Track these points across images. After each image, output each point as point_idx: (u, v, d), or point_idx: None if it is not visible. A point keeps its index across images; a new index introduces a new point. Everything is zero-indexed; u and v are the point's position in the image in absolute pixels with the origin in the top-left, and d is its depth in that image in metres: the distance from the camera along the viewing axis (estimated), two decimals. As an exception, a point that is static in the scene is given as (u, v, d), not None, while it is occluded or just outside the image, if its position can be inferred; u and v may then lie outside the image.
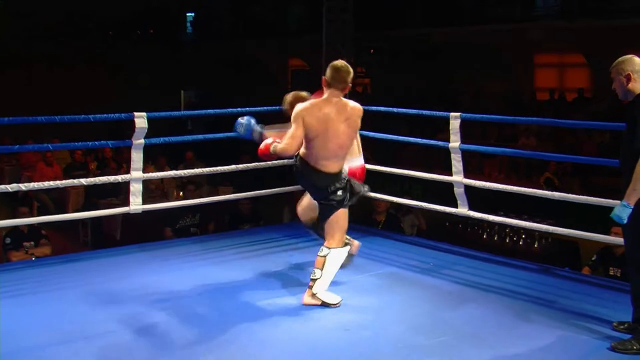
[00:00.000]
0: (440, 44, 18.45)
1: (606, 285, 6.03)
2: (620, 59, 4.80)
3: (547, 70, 20.15)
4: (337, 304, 5.27)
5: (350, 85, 5.37)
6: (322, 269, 5.22)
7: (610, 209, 5.76)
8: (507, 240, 9.10)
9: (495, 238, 9.19)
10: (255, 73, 22.24)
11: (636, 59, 4.73)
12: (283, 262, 6.37)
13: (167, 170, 9.75)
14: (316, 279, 5.23)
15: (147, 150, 6.59)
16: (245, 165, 7.48)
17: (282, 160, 6.27)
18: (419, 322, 5.01)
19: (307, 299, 5.29)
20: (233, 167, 7.28)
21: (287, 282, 5.79)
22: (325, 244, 5.30)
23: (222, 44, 22.89)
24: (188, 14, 25.21)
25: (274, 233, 7.41)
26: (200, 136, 7.31)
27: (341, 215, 5.32)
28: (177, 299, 5.34)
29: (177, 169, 9.51)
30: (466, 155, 6.64)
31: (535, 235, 8.94)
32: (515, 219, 7.75)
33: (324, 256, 5.22)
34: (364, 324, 4.93)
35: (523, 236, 9.04)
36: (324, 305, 5.23)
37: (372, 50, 19.40)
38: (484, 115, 7.25)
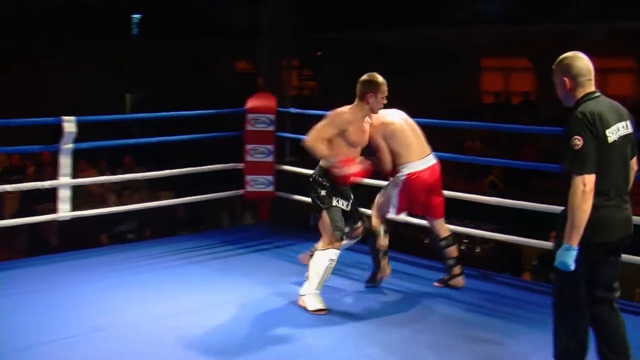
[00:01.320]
0: (387, 47, 18.47)
1: (545, 291, 5.99)
2: (561, 57, 3.93)
3: (493, 74, 20.33)
4: (315, 310, 5.16)
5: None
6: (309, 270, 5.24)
7: (549, 216, 5.79)
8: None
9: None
10: (202, 75, 22.03)
11: (578, 58, 3.87)
12: (219, 268, 6.23)
13: (107, 175, 9.52)
14: (304, 281, 5.28)
15: (89, 154, 6.41)
16: (182, 170, 7.33)
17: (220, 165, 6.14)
18: (351, 331, 4.92)
19: (299, 300, 5.27)
20: (168, 172, 7.13)
21: (219, 288, 5.66)
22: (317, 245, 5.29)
23: (168, 46, 22.62)
24: (134, 15, 24.88)
25: (213, 239, 7.27)
26: (132, 140, 7.13)
27: (325, 217, 5.24)
28: (111, 309, 5.17)
29: (115, 174, 9.30)
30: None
31: (476, 240, 8.92)
32: (457, 223, 7.71)
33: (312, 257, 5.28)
34: (297, 335, 4.81)
35: (465, 241, 9.02)
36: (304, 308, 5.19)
37: (319, 53, 19.36)
38: (430, 120, 7.20)
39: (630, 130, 3.76)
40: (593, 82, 3.80)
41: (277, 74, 8.79)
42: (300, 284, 5.42)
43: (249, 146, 7.55)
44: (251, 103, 7.61)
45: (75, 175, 6.49)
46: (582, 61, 3.84)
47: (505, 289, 5.99)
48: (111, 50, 22.57)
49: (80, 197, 9.96)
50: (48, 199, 9.81)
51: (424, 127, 5.85)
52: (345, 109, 5.34)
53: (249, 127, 7.54)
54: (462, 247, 8.98)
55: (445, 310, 5.34)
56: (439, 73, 18.05)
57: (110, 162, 11.39)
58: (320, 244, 5.26)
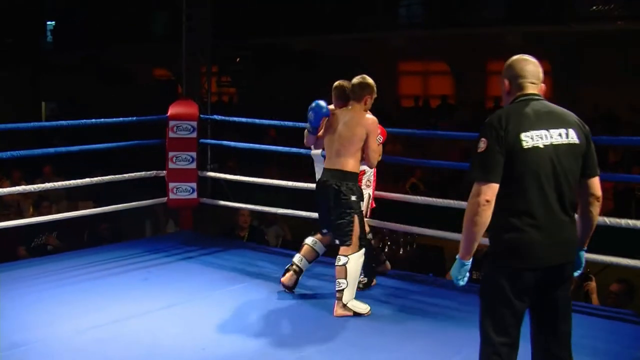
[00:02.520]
0: (304, 52, 18.52)
1: (467, 290, 6.08)
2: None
3: (411, 77, 20.56)
4: (367, 312, 5.28)
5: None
6: (346, 278, 5.23)
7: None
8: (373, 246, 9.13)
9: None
10: (121, 82, 21.68)
11: (521, 60, 3.52)
12: (142, 278, 6.15)
13: (22, 185, 9.26)
14: (343, 289, 5.24)
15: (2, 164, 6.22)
16: (102, 178, 7.20)
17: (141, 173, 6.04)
18: (279, 337, 4.92)
19: (338, 310, 5.27)
20: (88, 180, 7.00)
21: (142, 298, 5.57)
22: (341, 252, 5.30)
23: (85, 53, 22.24)
24: (48, 23, 24.37)
25: (136, 248, 7.17)
26: (50, 150, 6.95)
27: (356, 222, 5.32)
28: (30, 324, 5.02)
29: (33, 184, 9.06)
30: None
31: (400, 242, 9.01)
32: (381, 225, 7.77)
33: (344, 265, 5.24)
34: (220, 342, 4.79)
35: (388, 243, 9.08)
36: (356, 315, 5.23)
37: (238, 60, 19.28)
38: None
39: (574, 140, 3.33)
40: (536, 85, 3.44)
41: (197, 80, 8.75)
42: (225, 290, 5.41)
43: (171, 153, 7.49)
44: (173, 110, 7.54)
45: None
46: (523, 63, 3.47)
47: (428, 288, 6.07)
48: (25, 58, 22.08)
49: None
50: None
51: None
52: (369, 115, 5.49)
53: (171, 135, 7.48)
54: (386, 250, 9.07)
55: (373, 311, 5.38)
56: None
57: (27, 173, 11.10)
58: (345, 250, 5.29)
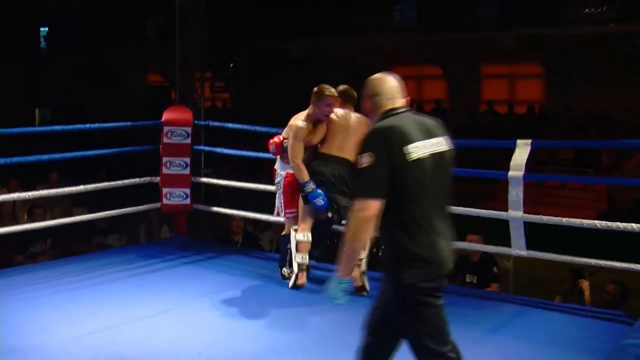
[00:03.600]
0: (298, 56, 18.53)
1: (461, 293, 6.12)
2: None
3: (404, 82, 20.57)
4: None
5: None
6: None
7: (467, 217, 5.93)
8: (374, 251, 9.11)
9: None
10: (114, 89, 21.67)
11: (380, 79, 3.61)
12: (137, 283, 6.15)
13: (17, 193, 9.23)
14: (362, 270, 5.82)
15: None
16: (97, 185, 7.21)
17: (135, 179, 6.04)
18: (273, 342, 4.92)
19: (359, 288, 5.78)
20: (82, 187, 6.99)
21: (138, 304, 5.57)
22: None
23: (78, 60, 22.23)
24: (42, 29, 24.37)
25: (130, 254, 7.17)
26: (45, 156, 6.94)
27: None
28: (26, 330, 5.02)
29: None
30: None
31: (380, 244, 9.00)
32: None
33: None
34: (215, 346, 4.79)
35: (382, 247, 9.08)
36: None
37: (231, 64, 19.29)
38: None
39: (447, 147, 3.41)
40: (398, 100, 3.50)
41: (190, 86, 8.76)
42: (219, 296, 5.43)
43: (165, 159, 7.49)
44: (167, 116, 7.55)
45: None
46: (383, 81, 3.56)
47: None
48: (19, 64, 22.09)
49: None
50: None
51: None
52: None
53: (166, 140, 7.48)
54: (379, 254, 9.06)
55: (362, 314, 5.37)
56: (349, 82, 18.17)
57: (25, 179, 11.08)
58: None
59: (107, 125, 7.32)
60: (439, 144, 3.36)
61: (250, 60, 19.36)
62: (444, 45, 17.29)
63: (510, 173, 5.72)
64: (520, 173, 5.67)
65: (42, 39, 24.35)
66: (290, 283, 5.97)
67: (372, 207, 3.16)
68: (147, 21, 20.48)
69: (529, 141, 5.73)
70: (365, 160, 3.21)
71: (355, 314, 5.39)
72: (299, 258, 5.89)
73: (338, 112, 5.91)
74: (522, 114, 17.22)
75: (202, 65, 8.83)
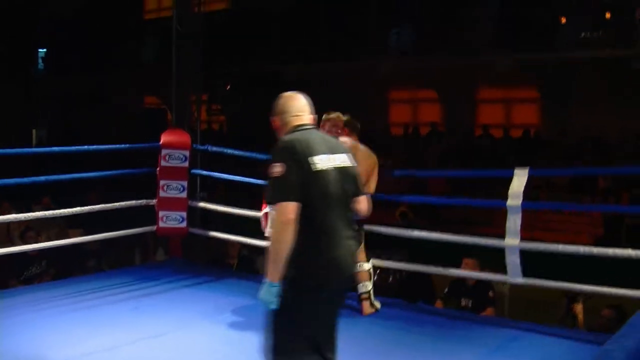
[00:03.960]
0: (294, 80, 18.57)
1: (456, 317, 6.12)
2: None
3: (400, 105, 20.63)
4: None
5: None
6: (370, 281, 5.92)
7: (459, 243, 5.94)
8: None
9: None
10: (110, 111, 21.68)
11: (288, 97, 3.80)
12: (132, 306, 6.12)
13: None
14: (369, 291, 5.89)
15: None
16: (92, 207, 7.20)
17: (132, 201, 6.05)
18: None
19: (368, 309, 5.90)
20: (78, 209, 6.98)
21: (132, 327, 5.55)
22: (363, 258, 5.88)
23: (75, 82, 22.25)
24: (40, 50, 24.42)
25: (125, 276, 7.15)
26: (41, 178, 6.93)
27: None
28: (20, 352, 5.01)
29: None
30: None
31: (389, 269, 8.99)
32: (370, 253, 7.79)
33: (369, 270, 5.95)
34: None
35: (377, 270, 9.06)
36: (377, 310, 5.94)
37: (228, 87, 19.31)
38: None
39: (350, 163, 3.65)
40: (306, 117, 3.72)
41: (187, 108, 8.78)
42: (214, 319, 5.42)
43: (162, 182, 7.49)
44: (165, 138, 7.56)
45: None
46: (291, 99, 3.76)
47: (416, 315, 6.09)
48: (16, 85, 22.12)
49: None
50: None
51: None
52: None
53: (163, 163, 7.49)
54: (375, 277, 9.06)
55: (359, 340, 5.38)
56: (345, 105, 18.21)
57: (20, 201, 11.08)
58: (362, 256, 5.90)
59: (104, 147, 7.34)
60: (343, 160, 3.62)
61: (245, 83, 19.40)
62: (440, 69, 17.35)
63: (509, 202, 5.72)
64: (519, 202, 5.67)
65: (39, 60, 24.39)
66: None
67: (290, 209, 3.35)
68: (143, 44, 20.52)
69: (527, 169, 5.73)
70: (277, 169, 3.43)
71: (354, 334, 5.42)
72: (362, 287, 5.97)
73: (347, 142, 5.83)
74: (518, 137, 17.26)
75: (198, 88, 8.85)
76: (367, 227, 6.24)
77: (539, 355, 5.08)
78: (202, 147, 7.96)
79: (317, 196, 3.44)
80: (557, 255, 5.77)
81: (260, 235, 7.00)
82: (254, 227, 7.01)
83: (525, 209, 5.77)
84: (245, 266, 8.22)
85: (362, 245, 5.90)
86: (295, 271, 3.38)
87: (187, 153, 7.56)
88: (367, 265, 5.94)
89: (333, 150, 3.59)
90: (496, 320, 6.22)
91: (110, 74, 21.19)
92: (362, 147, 6.03)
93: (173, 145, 7.53)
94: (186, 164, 7.56)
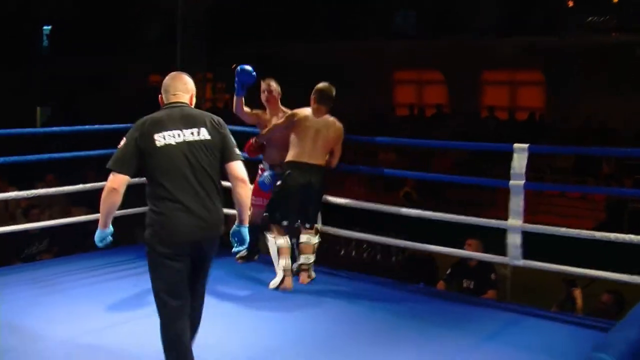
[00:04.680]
0: (297, 60, 18.53)
1: (457, 299, 6.13)
2: None
3: (406, 86, 20.59)
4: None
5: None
6: (313, 254, 6.17)
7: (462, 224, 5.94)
8: (365, 256, 9.14)
9: (353, 254, 9.20)
10: (114, 88, 21.67)
11: (169, 77, 4.20)
12: (133, 283, 6.12)
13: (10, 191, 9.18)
14: (310, 263, 6.17)
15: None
16: (94, 184, 7.18)
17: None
18: (268, 345, 4.92)
19: (305, 279, 6.15)
20: (81, 186, 6.97)
21: (136, 303, 5.56)
22: (309, 232, 6.15)
23: (80, 59, 22.21)
24: (45, 27, 24.39)
25: (128, 254, 7.14)
26: (45, 155, 6.94)
27: None
28: (20, 330, 5.03)
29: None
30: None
31: (392, 250, 9.01)
32: (372, 233, 7.79)
33: (315, 243, 6.19)
34: (209, 351, 4.74)
35: (380, 251, 9.10)
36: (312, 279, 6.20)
37: (233, 66, 19.29)
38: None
39: (206, 137, 3.95)
40: (178, 95, 4.09)
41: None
42: (217, 295, 5.42)
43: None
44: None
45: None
46: (169, 79, 4.15)
47: (419, 297, 6.09)
48: (21, 63, 22.08)
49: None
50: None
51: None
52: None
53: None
54: (378, 257, 9.10)
55: (361, 321, 5.40)
56: (351, 87, 18.19)
57: (22, 178, 11.08)
58: (313, 231, 6.23)
59: (108, 126, 7.31)
60: (197, 133, 3.94)
61: (251, 62, 19.37)
62: (445, 51, 17.31)
63: (512, 182, 5.71)
64: (522, 182, 5.65)
65: (44, 38, 24.36)
66: (273, 284, 6.04)
67: (116, 179, 3.85)
68: (148, 22, 20.46)
69: (526, 146, 5.70)
70: (121, 143, 3.93)
71: (354, 316, 5.44)
72: (283, 262, 6.06)
73: (307, 112, 6.15)
74: (523, 120, 17.23)
75: (203, 66, 8.84)
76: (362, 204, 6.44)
77: (538, 340, 5.08)
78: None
79: (160, 170, 3.86)
80: (559, 239, 5.76)
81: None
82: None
83: (528, 189, 5.75)
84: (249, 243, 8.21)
85: (316, 221, 6.33)
86: (148, 233, 3.89)
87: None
88: (314, 240, 6.19)
89: (188, 126, 3.94)
90: (497, 304, 6.21)
91: (115, 51, 21.16)
92: (323, 119, 6.16)
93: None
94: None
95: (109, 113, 11.27)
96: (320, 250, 6.41)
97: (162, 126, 3.91)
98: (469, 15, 16.75)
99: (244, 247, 4.26)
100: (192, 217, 3.85)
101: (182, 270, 3.90)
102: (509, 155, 5.75)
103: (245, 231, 4.18)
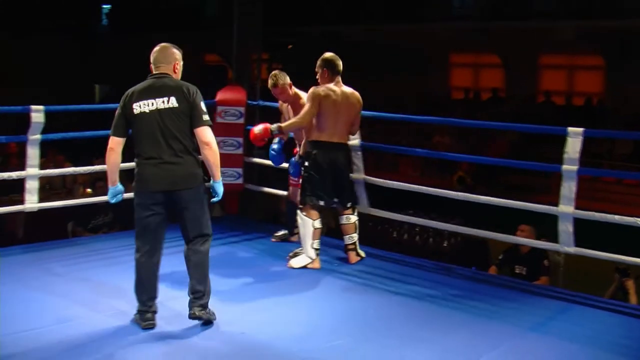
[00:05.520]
0: (355, 42, 18.47)
1: (509, 285, 6.08)
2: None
3: (462, 69, 20.40)
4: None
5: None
6: (355, 232, 6.27)
7: (517, 209, 5.88)
8: (417, 239, 9.11)
9: (405, 237, 9.19)
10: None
11: (154, 50, 4.81)
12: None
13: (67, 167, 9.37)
14: (355, 242, 6.28)
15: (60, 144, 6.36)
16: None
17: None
18: (319, 323, 4.96)
19: (354, 258, 6.29)
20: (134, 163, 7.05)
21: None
22: (349, 212, 6.27)
23: (138, 38, 22.44)
24: (104, 6, 24.69)
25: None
26: (101, 132, 7.03)
27: None
28: (77, 302, 5.16)
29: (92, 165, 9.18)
30: (381, 153, 6.65)
31: (444, 233, 8.97)
32: (425, 217, 7.78)
33: (355, 222, 6.29)
34: (261, 327, 4.83)
35: (432, 235, 9.07)
36: (362, 258, 6.34)
37: (290, 47, 19.33)
38: (395, 115, 7.28)
39: (174, 104, 4.58)
40: (161, 67, 4.71)
41: (247, 66, 8.78)
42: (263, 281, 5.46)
43: (218, 138, 7.49)
44: (221, 95, 7.61)
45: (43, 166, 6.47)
46: (154, 52, 4.77)
47: (470, 282, 6.05)
48: (80, 40, 22.38)
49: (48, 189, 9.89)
50: (13, 190, 9.72)
51: (386, 121, 6.10)
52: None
53: (219, 120, 7.54)
54: (430, 240, 9.07)
55: (412, 303, 5.40)
56: (407, 69, 18.10)
57: (80, 154, 11.29)
58: (353, 210, 6.35)
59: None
60: (167, 102, 4.58)
61: (307, 43, 19.39)
62: (503, 33, 17.11)
63: (564, 167, 5.63)
64: (575, 167, 5.57)
65: (103, 17, 24.67)
66: (300, 264, 6.11)
67: (112, 141, 4.65)
68: (204, 2, 20.56)
69: (581, 130, 5.60)
70: (116, 112, 4.69)
71: (400, 298, 5.44)
72: (316, 244, 6.14)
73: (326, 89, 6.12)
74: (580, 105, 16.97)
75: (259, 47, 8.84)
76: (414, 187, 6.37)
77: (588, 329, 5.01)
78: (254, 103, 7.98)
79: (138, 133, 4.60)
80: (614, 228, 5.66)
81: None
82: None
83: (582, 175, 5.67)
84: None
85: (353, 201, 6.40)
86: (134, 181, 4.64)
87: (242, 110, 7.60)
88: (353, 218, 6.27)
89: (159, 95, 4.59)
90: (548, 290, 6.14)
91: (172, 30, 21.33)
92: (348, 90, 6.19)
93: (228, 102, 7.58)
94: (242, 121, 7.59)
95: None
96: (372, 233, 6.43)
97: (139, 96, 4.62)
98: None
99: (219, 198, 4.84)
100: (161, 171, 4.55)
101: (153, 217, 4.62)
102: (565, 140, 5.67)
103: (218, 185, 4.78)
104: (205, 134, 4.65)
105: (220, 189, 4.80)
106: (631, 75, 15.54)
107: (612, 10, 15.00)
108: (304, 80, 6.49)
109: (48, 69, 20.59)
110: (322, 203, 6.17)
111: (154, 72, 4.72)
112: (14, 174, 6.31)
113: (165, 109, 4.57)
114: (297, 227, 6.33)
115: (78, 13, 23.35)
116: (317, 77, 6.24)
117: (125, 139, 4.65)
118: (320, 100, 6.03)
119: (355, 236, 6.28)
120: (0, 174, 6.34)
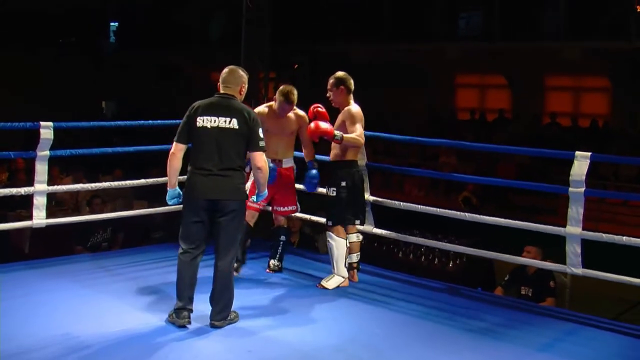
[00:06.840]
0: (360, 61, 18.51)
1: (515, 306, 6.07)
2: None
3: (468, 90, 20.39)
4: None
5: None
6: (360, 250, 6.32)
7: (523, 231, 5.88)
8: (422, 259, 9.08)
9: (411, 257, 9.16)
10: (177, 85, 21.90)
11: (223, 71, 5.21)
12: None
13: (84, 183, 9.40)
14: (358, 261, 6.30)
15: (67, 161, 6.41)
16: (157, 179, 7.29)
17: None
18: (325, 342, 4.94)
19: (356, 277, 6.32)
20: (143, 181, 7.09)
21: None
22: (355, 230, 6.29)
23: (146, 55, 22.57)
24: (112, 23, 24.82)
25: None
26: (110, 149, 7.08)
27: None
28: (83, 317, 5.15)
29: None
30: (387, 173, 6.65)
31: (450, 254, 8.95)
32: (431, 238, 7.77)
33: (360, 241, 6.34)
34: (267, 344, 4.84)
35: (438, 255, 9.04)
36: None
37: (295, 66, 19.37)
38: (397, 136, 7.30)
39: (235, 126, 4.96)
40: (225, 88, 5.10)
41: (254, 85, 8.82)
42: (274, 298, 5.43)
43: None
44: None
45: (50, 183, 6.48)
46: (224, 72, 5.16)
47: (476, 302, 6.04)
48: (88, 57, 22.48)
49: (54, 205, 9.90)
50: (20, 205, 9.76)
51: (393, 143, 6.13)
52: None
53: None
54: (436, 261, 9.04)
55: (417, 323, 5.39)
56: (412, 88, 18.11)
57: (93, 171, 11.32)
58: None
59: (171, 122, 7.41)
60: (229, 122, 4.97)
61: (313, 63, 19.44)
62: (509, 54, 17.11)
63: (571, 189, 5.64)
64: (582, 189, 5.58)
65: (111, 34, 24.79)
66: (336, 284, 6.12)
67: (175, 147, 5.06)
68: (210, 20, 20.60)
69: (588, 154, 5.62)
70: (182, 120, 5.10)
71: (405, 318, 5.43)
72: (355, 257, 6.24)
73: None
74: (586, 127, 16.96)
75: (266, 65, 8.89)
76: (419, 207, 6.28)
77: (594, 351, 5.00)
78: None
79: (196, 144, 5.00)
80: (621, 250, 5.64)
81: (322, 213, 7.05)
82: (317, 204, 7.02)
83: (589, 197, 5.67)
84: (306, 244, 8.25)
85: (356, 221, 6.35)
86: (185, 188, 5.02)
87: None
88: (360, 236, 6.35)
89: (220, 114, 4.98)
90: (555, 312, 6.12)
91: (179, 49, 21.43)
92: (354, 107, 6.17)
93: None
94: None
95: (173, 108, 11.41)
96: (378, 252, 6.42)
97: (204, 111, 5.00)
98: (534, 18, 16.53)
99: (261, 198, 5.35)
100: (209, 181, 4.92)
101: (198, 222, 4.97)
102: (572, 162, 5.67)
103: (262, 196, 5.27)
104: (260, 159, 5.05)
105: (264, 196, 5.32)
106: (637, 97, 15.53)
107: (618, 32, 15.00)
108: (311, 99, 6.50)
109: (56, 85, 20.65)
110: (358, 222, 6.31)
111: (221, 92, 5.11)
112: (22, 190, 6.32)
113: (226, 128, 4.95)
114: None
115: (86, 30, 23.47)
116: (328, 95, 6.22)
117: (186, 146, 5.07)
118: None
119: (359, 255, 6.32)
120: (10, 189, 6.38)
